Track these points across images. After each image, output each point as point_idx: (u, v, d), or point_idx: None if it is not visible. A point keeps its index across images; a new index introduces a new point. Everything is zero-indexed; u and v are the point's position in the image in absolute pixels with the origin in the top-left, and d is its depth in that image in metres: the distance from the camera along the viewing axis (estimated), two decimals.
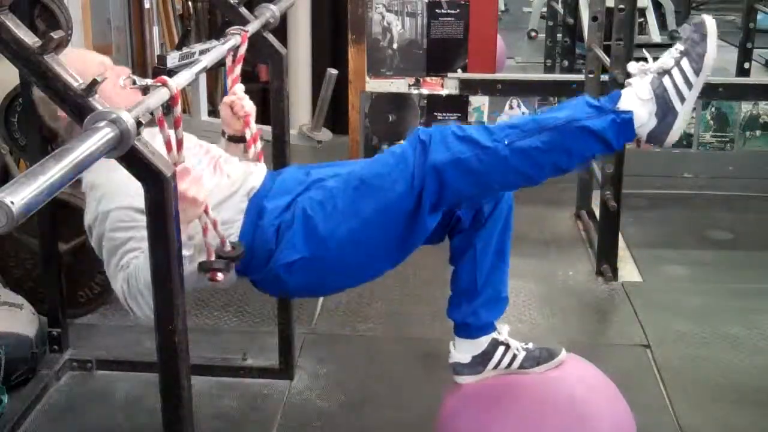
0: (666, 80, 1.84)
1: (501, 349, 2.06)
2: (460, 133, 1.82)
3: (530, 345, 2.10)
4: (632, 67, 1.89)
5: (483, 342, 2.06)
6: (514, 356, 2.06)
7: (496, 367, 2.07)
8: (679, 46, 1.86)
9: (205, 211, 1.76)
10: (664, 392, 2.63)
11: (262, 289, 2.03)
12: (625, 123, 1.82)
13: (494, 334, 2.07)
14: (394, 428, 2.49)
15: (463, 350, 2.08)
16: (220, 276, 1.80)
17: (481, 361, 2.07)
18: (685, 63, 1.84)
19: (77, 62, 1.76)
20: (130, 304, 1.74)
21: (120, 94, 1.82)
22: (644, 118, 1.83)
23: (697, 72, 1.83)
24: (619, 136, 1.83)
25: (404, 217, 1.85)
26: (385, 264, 1.96)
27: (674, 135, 1.85)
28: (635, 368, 2.75)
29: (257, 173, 2.06)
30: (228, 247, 1.83)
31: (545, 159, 1.82)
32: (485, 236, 2.03)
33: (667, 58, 1.86)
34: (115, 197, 1.80)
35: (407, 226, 1.86)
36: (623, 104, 1.83)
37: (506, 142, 1.79)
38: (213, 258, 1.81)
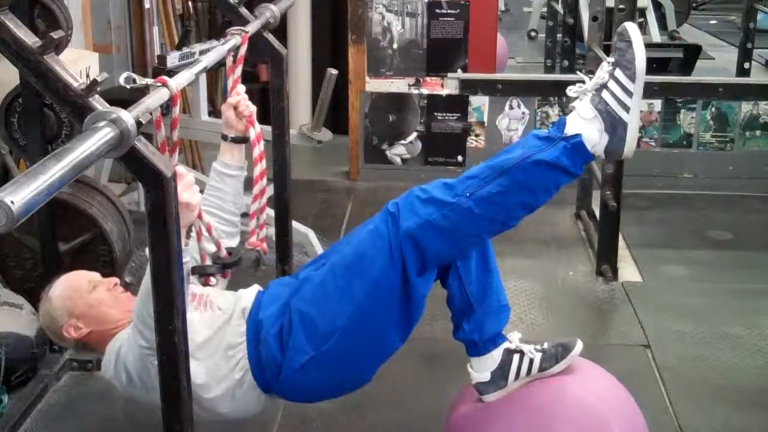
0: (605, 94, 1.86)
1: (516, 357, 2.02)
2: (424, 196, 1.86)
3: (545, 345, 2.05)
4: (571, 90, 1.91)
5: (496, 355, 2.02)
6: (531, 361, 2.01)
7: (517, 376, 2.01)
8: (609, 59, 1.88)
9: (199, 216, 1.77)
10: (664, 392, 2.63)
11: (299, 400, 2.06)
12: (576, 146, 1.84)
13: (505, 345, 2.03)
14: (394, 428, 2.49)
15: (480, 368, 2.03)
16: (212, 281, 1.80)
17: (501, 374, 2.02)
18: (618, 73, 1.85)
19: (68, 291, 2.02)
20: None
21: (116, 300, 2.02)
22: (595, 137, 1.85)
23: (632, 78, 1.84)
24: (574, 161, 1.86)
25: (396, 289, 1.87)
26: (395, 339, 1.96)
27: (630, 146, 1.86)
28: (635, 368, 2.75)
29: (247, 294, 2.05)
30: (224, 253, 1.83)
31: (509, 200, 1.85)
32: None
33: (602, 73, 1.88)
34: (121, 346, 1.90)
35: (402, 296, 1.88)
36: (570, 129, 1.85)
37: (467, 194, 1.83)
38: (207, 263, 1.81)
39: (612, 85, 1.85)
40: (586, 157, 1.87)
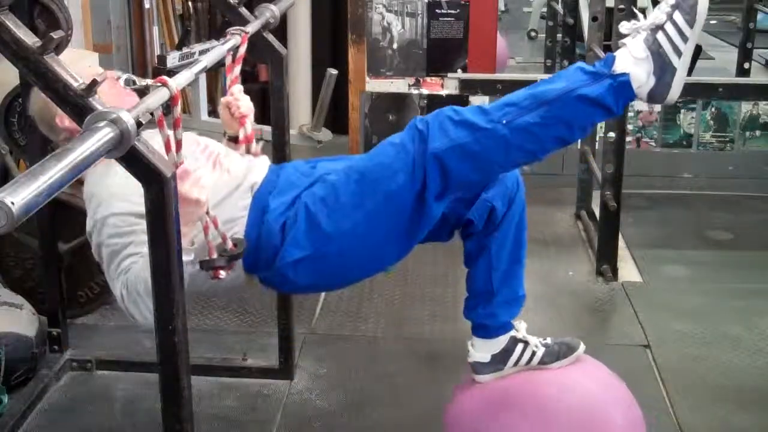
0: (660, 36, 1.80)
1: (520, 346, 2.05)
2: (456, 117, 1.80)
3: (549, 340, 2.09)
4: (624, 26, 1.86)
5: (502, 340, 2.05)
6: (534, 353, 2.05)
7: (516, 364, 2.05)
8: (669, 0, 1.81)
9: (206, 212, 1.76)
10: (664, 392, 2.63)
11: (271, 286, 2.02)
12: (622, 86, 1.80)
13: (512, 332, 2.06)
14: (394, 428, 2.49)
15: (482, 350, 2.07)
16: (222, 273, 1.80)
17: (501, 359, 2.06)
18: (677, 16, 1.79)
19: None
20: (130, 308, 1.73)
21: (118, 97, 1.83)
22: (642, 77, 1.80)
23: (690, 24, 1.78)
24: (618, 100, 1.81)
25: (409, 207, 1.83)
26: (391, 255, 1.94)
27: (674, 92, 1.81)
28: (635, 368, 2.75)
29: (259, 167, 2.04)
30: (230, 244, 1.83)
31: (546, 133, 1.80)
32: (500, 238, 2.02)
33: (659, 14, 1.81)
34: (112, 203, 1.80)
35: (412, 216, 1.84)
36: (619, 66, 1.80)
37: (504, 122, 1.77)
38: (215, 256, 1.80)
39: (669, 27, 1.79)
40: (630, 97, 1.82)
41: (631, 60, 1.80)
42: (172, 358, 1.49)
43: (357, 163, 1.92)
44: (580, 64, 1.88)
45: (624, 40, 1.84)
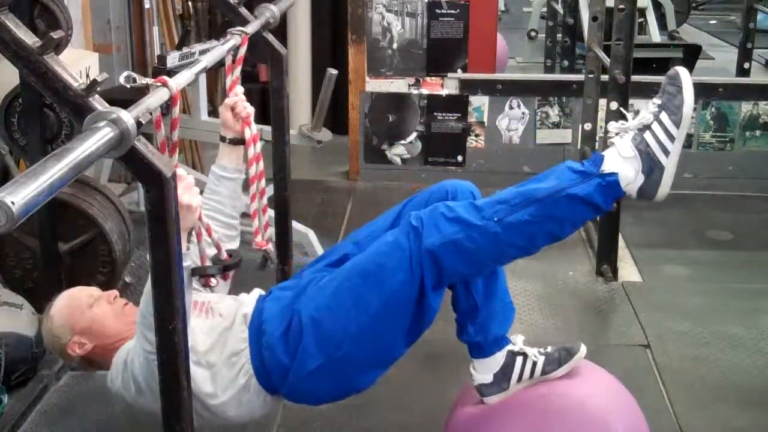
0: (648, 135, 1.85)
1: (519, 359, 2.01)
2: (450, 214, 1.84)
3: (548, 348, 2.05)
4: (612, 126, 1.91)
5: (500, 357, 2.02)
6: (534, 364, 2.01)
7: (519, 379, 2.01)
8: (656, 100, 1.88)
9: (198, 218, 1.77)
10: (664, 392, 2.63)
11: (299, 402, 2.05)
12: (611, 185, 1.85)
13: (509, 347, 2.03)
14: (395, 429, 2.49)
15: (483, 370, 2.03)
16: (213, 282, 1.81)
17: (503, 376, 2.02)
18: (664, 116, 1.85)
19: (68, 308, 2.02)
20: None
21: (118, 312, 2.02)
22: (630, 176, 1.85)
23: (677, 124, 1.84)
24: (607, 199, 1.86)
25: (411, 304, 1.87)
26: (402, 348, 1.96)
27: (663, 190, 1.88)
28: (635, 368, 2.75)
29: (248, 301, 2.05)
30: (224, 255, 1.83)
31: (537, 230, 1.85)
32: None
33: (646, 114, 1.87)
34: (120, 369, 1.91)
35: (416, 311, 1.88)
36: (607, 166, 1.85)
37: (495, 219, 1.82)
38: (207, 264, 1.81)
39: (656, 127, 1.85)
40: (619, 195, 1.87)
41: (620, 159, 1.85)
42: (172, 358, 1.49)
43: (354, 267, 1.93)
44: (569, 162, 1.92)
45: (613, 139, 1.89)
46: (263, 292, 2.08)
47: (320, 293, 1.93)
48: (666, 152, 1.85)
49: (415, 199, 2.10)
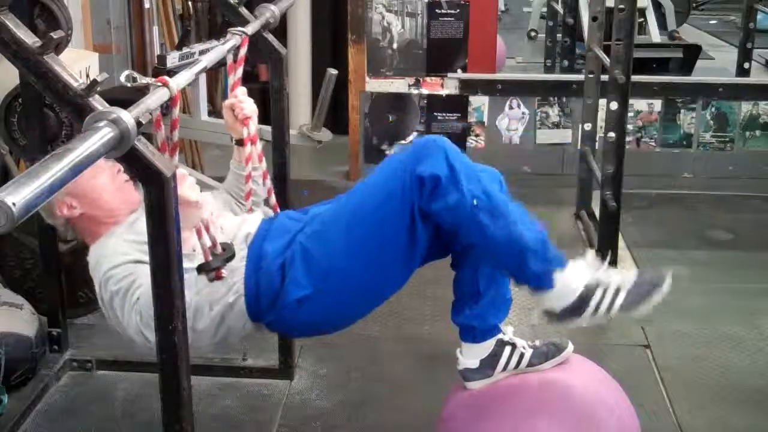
0: (599, 291, 1.90)
1: (507, 349, 2.05)
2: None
3: (537, 342, 2.09)
4: (589, 256, 1.98)
5: (489, 345, 2.05)
6: (522, 355, 2.05)
7: (504, 368, 2.05)
8: (632, 277, 1.94)
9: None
10: (664, 392, 2.63)
11: (279, 332, 2.08)
12: (546, 281, 1.89)
13: (499, 335, 2.06)
14: (394, 428, 2.48)
15: (470, 355, 2.07)
16: (224, 273, 1.82)
17: (489, 363, 2.05)
18: (623, 293, 1.91)
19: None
20: (146, 332, 1.76)
21: (117, 187, 2.01)
22: (561, 295, 1.90)
23: (623, 307, 1.91)
24: (532, 282, 1.91)
25: (401, 232, 1.87)
26: (389, 285, 1.98)
27: (571, 325, 1.92)
28: (635, 368, 2.75)
29: (252, 220, 2.08)
30: (219, 249, 1.84)
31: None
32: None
33: (616, 277, 1.93)
34: (107, 262, 1.86)
35: (406, 241, 1.88)
36: (558, 277, 1.89)
37: (475, 203, 1.84)
38: (210, 258, 1.82)
39: (609, 292, 1.91)
40: (543, 287, 1.91)
41: (569, 282, 1.89)
42: (172, 358, 1.49)
43: (347, 199, 1.96)
44: (545, 236, 1.94)
45: (579, 263, 1.94)
46: (271, 214, 2.12)
47: (314, 224, 1.96)
48: (595, 312, 1.90)
49: None
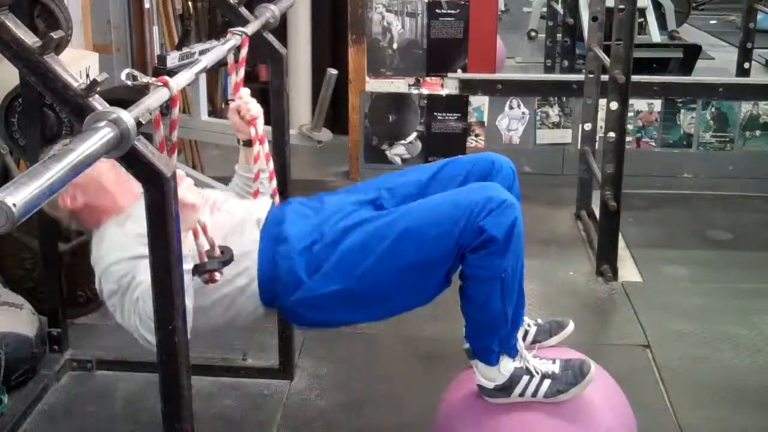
0: (525, 378, 1.94)
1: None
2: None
3: (539, 320, 2.17)
4: (526, 321, 2.10)
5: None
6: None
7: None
8: (558, 367, 1.95)
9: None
10: (664, 392, 2.63)
11: (290, 318, 2.06)
12: (493, 359, 1.95)
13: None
14: (394, 428, 2.49)
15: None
16: (218, 276, 1.81)
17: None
18: (548, 382, 1.94)
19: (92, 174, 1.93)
20: (146, 335, 1.77)
21: (119, 179, 2.00)
22: (490, 378, 1.97)
23: (547, 395, 1.94)
24: (481, 353, 1.97)
25: (440, 273, 1.91)
26: (412, 305, 2.00)
27: (500, 402, 1.98)
28: (635, 368, 2.75)
29: (261, 205, 2.09)
30: (217, 252, 1.84)
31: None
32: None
33: (546, 364, 1.96)
34: (107, 258, 1.88)
35: (441, 282, 1.93)
36: (503, 360, 1.95)
37: (503, 276, 1.90)
38: (206, 260, 1.82)
39: (534, 380, 1.95)
40: (490, 361, 1.97)
41: (503, 368, 1.95)
42: (172, 358, 1.49)
43: (406, 215, 1.94)
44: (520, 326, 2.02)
45: (522, 349, 1.98)
46: (276, 202, 2.15)
47: (361, 230, 1.94)
48: (521, 395, 1.95)
49: (456, 162, 2.13)
